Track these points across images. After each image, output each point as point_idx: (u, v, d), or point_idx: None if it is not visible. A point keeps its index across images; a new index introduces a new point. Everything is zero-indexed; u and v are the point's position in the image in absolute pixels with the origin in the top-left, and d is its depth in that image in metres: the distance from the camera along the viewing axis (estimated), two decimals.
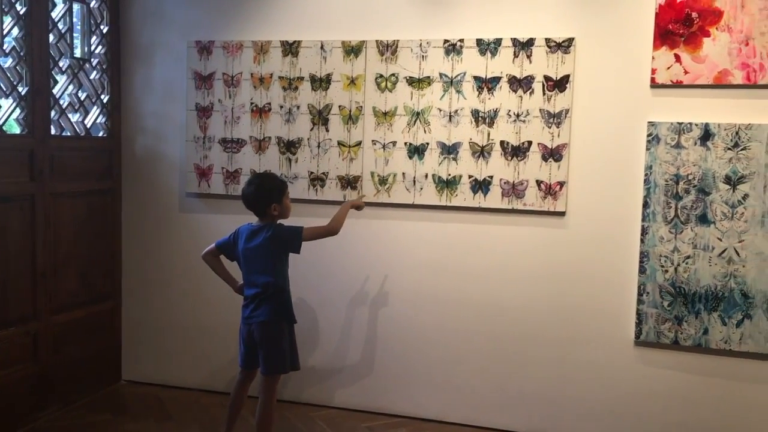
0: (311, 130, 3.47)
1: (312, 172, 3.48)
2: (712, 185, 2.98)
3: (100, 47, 3.66)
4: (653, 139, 3.04)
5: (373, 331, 3.48)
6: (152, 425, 3.31)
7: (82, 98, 3.57)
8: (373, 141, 3.40)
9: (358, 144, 3.42)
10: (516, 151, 3.22)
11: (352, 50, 3.39)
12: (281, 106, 3.50)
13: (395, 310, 3.43)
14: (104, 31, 3.67)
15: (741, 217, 2.95)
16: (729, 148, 2.95)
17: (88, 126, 3.62)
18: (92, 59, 3.62)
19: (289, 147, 3.51)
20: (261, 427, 2.86)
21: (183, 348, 3.75)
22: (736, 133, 2.94)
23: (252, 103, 3.54)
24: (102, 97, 3.68)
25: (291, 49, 3.47)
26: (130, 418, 3.39)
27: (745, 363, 3.00)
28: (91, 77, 3.62)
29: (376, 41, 3.36)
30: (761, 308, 2.95)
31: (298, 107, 3.48)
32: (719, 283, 2.99)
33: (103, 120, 3.70)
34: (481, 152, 3.26)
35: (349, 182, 3.43)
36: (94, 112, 3.65)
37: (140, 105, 3.73)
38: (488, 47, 3.23)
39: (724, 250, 2.98)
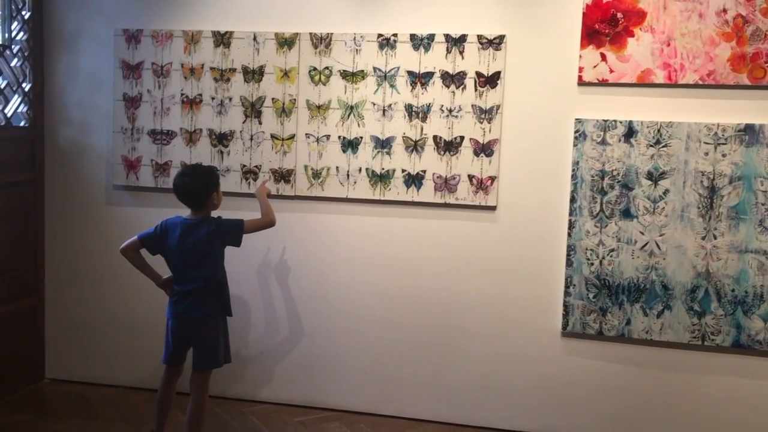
0: (244, 122, 3.42)
1: (245, 165, 3.43)
2: (635, 181, 3.08)
3: (21, 33, 3.52)
4: (580, 136, 3.11)
5: (305, 325, 3.46)
6: (77, 424, 3.21)
7: (2, 86, 3.42)
8: (306, 134, 3.37)
9: (292, 137, 3.39)
10: (448, 146, 3.25)
11: (286, 42, 3.36)
12: (213, 98, 3.44)
13: (328, 304, 3.43)
14: (26, 17, 3.52)
15: (662, 211, 3.06)
16: (651, 145, 3.05)
17: (9, 115, 3.47)
18: (13, 46, 3.47)
19: (221, 139, 3.45)
20: (194, 423, 2.81)
21: (110, 345, 3.65)
22: (658, 130, 3.04)
23: (182, 94, 3.47)
24: (24, 85, 3.53)
25: (223, 39, 3.41)
26: (54, 418, 3.28)
27: (666, 352, 3.12)
28: (12, 65, 3.47)
29: (310, 34, 3.33)
30: (680, 299, 3.06)
31: (231, 99, 3.42)
32: (641, 276, 3.10)
33: (25, 109, 3.55)
34: (415, 147, 3.28)
35: (283, 176, 3.39)
36: (15, 101, 3.50)
37: (64, 94, 3.60)
38: (421, 42, 3.24)
39: (646, 244, 3.08)
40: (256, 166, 3.42)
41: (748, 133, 2.96)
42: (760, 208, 2.96)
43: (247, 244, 3.14)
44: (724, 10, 2.96)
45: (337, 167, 3.35)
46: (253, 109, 3.41)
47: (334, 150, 3.35)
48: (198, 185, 2.77)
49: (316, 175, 3.37)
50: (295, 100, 3.37)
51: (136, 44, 3.49)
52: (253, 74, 3.39)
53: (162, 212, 3.35)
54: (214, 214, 2.89)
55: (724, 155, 2.99)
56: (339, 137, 3.34)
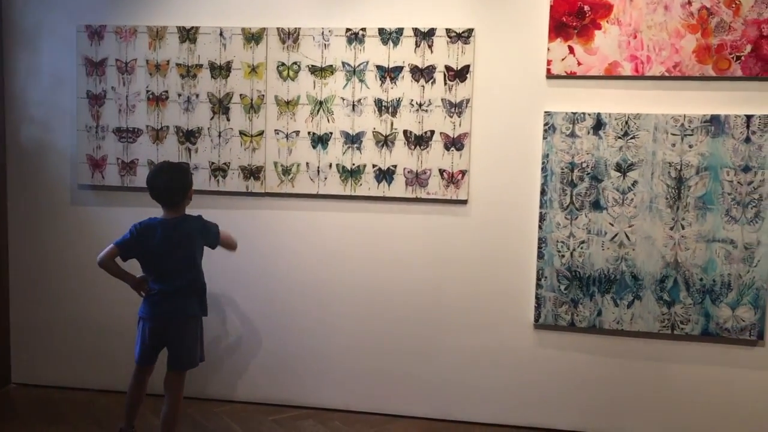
0: (211, 119, 3.37)
1: (213, 163, 3.38)
2: (604, 173, 3.10)
3: None
4: (549, 129, 3.12)
5: (277, 323, 3.43)
6: (45, 429, 3.14)
7: None
8: (275, 130, 3.33)
9: (261, 133, 3.35)
10: (419, 141, 3.24)
11: (253, 38, 3.31)
12: (179, 95, 3.38)
13: (300, 301, 3.40)
14: None
15: (631, 203, 3.08)
16: (619, 137, 3.07)
17: None
18: None
19: (189, 137, 3.39)
20: (170, 424, 2.76)
21: (77, 347, 3.58)
22: (626, 122, 3.06)
23: (148, 91, 3.40)
24: None
25: (189, 35, 3.36)
26: (20, 423, 3.20)
27: (636, 342, 3.15)
28: None
29: (278, 29, 3.29)
30: (650, 289, 3.09)
31: (198, 95, 3.37)
32: (611, 267, 3.12)
33: None
34: (385, 141, 3.26)
35: (252, 172, 3.35)
36: None
37: (25, 93, 3.51)
38: (390, 36, 3.22)
39: (616, 235, 3.10)
40: (225, 163, 3.37)
41: (714, 123, 2.99)
42: (726, 197, 3.00)
43: None
44: (689, 2, 2.99)
45: (307, 163, 3.32)
46: (221, 106, 3.36)
47: (304, 146, 3.32)
48: (176, 183, 2.74)
49: (286, 171, 3.34)
50: (263, 96, 3.33)
51: (99, 40, 3.42)
52: (220, 70, 3.35)
53: (128, 211, 3.30)
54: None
55: (690, 146, 3.02)
56: (309, 133, 3.31)
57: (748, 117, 2.95)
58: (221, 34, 3.33)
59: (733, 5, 2.95)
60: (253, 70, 3.33)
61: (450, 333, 3.30)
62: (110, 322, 3.51)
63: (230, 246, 2.95)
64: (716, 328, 3.05)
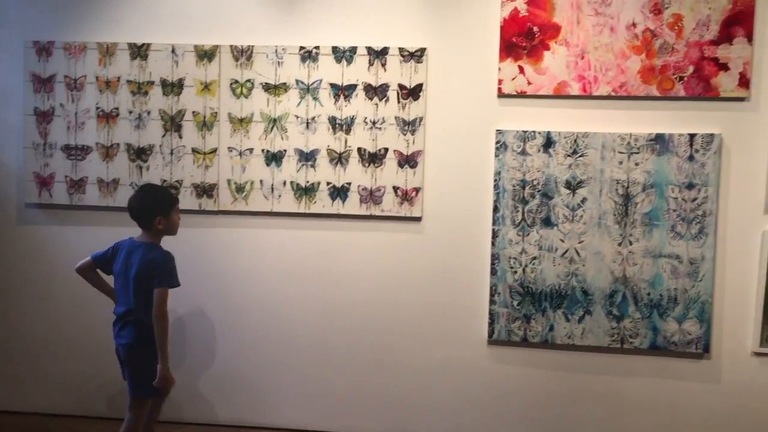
0: (163, 136, 3.33)
1: (165, 180, 3.34)
2: (554, 190, 3.15)
3: None
4: (501, 147, 3.17)
5: (231, 342, 3.39)
6: None
7: None
8: (229, 148, 3.31)
9: (214, 151, 3.32)
10: (373, 158, 3.25)
11: (206, 55, 3.29)
12: (130, 111, 3.34)
13: (253, 319, 3.37)
14: None
15: (580, 219, 3.14)
16: (569, 155, 3.13)
17: None
18: None
19: (140, 154, 3.35)
20: None
21: (29, 370, 3.48)
22: (575, 140, 3.12)
23: (98, 108, 3.35)
24: None
25: (140, 51, 3.32)
26: None
27: (587, 356, 3.19)
28: None
29: (231, 46, 3.28)
30: (599, 304, 3.15)
31: (149, 113, 3.33)
32: (562, 282, 3.17)
33: None
34: (339, 159, 3.27)
35: (205, 190, 3.32)
36: None
37: None
38: (344, 55, 3.24)
39: (566, 251, 3.16)
40: (177, 181, 3.34)
41: (659, 142, 3.07)
42: (671, 214, 3.07)
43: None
44: (634, 24, 3.07)
45: (261, 181, 3.31)
46: (173, 123, 3.33)
47: (258, 163, 3.30)
48: (141, 204, 2.74)
49: (240, 189, 3.31)
50: (216, 113, 3.31)
51: (47, 57, 3.36)
52: (173, 87, 3.31)
53: (78, 230, 3.24)
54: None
55: (637, 164, 3.09)
56: (262, 150, 3.30)
57: (691, 136, 3.04)
58: (173, 51, 3.30)
59: (676, 28, 3.04)
60: (206, 87, 3.30)
61: (405, 350, 3.31)
62: (62, 345, 3.43)
63: (159, 310, 2.70)
64: (664, 341, 3.11)
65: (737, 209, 3.04)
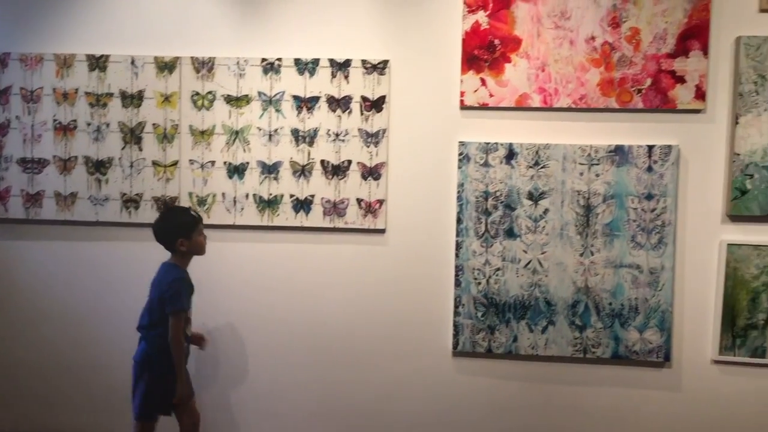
0: (123, 149, 3.28)
1: (125, 194, 3.29)
2: (517, 201, 3.16)
3: None
4: (464, 158, 3.18)
5: (193, 357, 3.34)
6: None
7: None
8: (190, 160, 3.27)
9: (175, 164, 3.28)
10: (336, 170, 3.24)
11: (166, 66, 3.26)
12: (89, 124, 3.28)
13: (216, 334, 3.32)
14: None
15: (543, 230, 3.16)
16: (531, 167, 3.15)
17: None
18: None
19: (99, 167, 3.29)
20: None
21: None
22: (536, 152, 3.15)
23: (55, 120, 3.29)
24: None
25: (98, 63, 3.27)
26: None
27: (551, 366, 3.21)
28: None
29: (192, 58, 3.25)
30: (562, 314, 3.16)
31: (108, 125, 3.28)
32: (526, 293, 3.18)
33: None
34: (302, 171, 3.25)
35: (166, 203, 3.27)
36: None
37: None
38: (306, 67, 3.23)
39: (529, 262, 3.17)
40: (137, 194, 3.29)
41: (619, 153, 3.11)
42: (631, 224, 3.11)
43: (127, 273, 3.05)
44: (593, 38, 3.11)
45: (223, 193, 3.27)
46: (133, 135, 3.28)
47: (220, 176, 3.27)
48: (162, 228, 2.80)
49: (202, 202, 3.28)
50: (177, 125, 3.27)
51: (2, 68, 3.29)
52: (132, 99, 3.27)
53: (35, 246, 3.17)
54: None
55: (597, 175, 3.12)
56: (224, 163, 3.27)
57: (650, 147, 3.08)
58: (133, 62, 3.26)
59: (634, 41, 3.08)
60: (167, 99, 3.27)
61: (369, 362, 3.29)
62: (21, 366, 3.34)
63: (173, 340, 2.79)
64: (626, 351, 3.14)
65: (695, 219, 3.09)
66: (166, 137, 3.28)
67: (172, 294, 2.75)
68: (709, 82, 3.06)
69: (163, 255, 3.20)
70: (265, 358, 3.33)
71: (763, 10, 3.04)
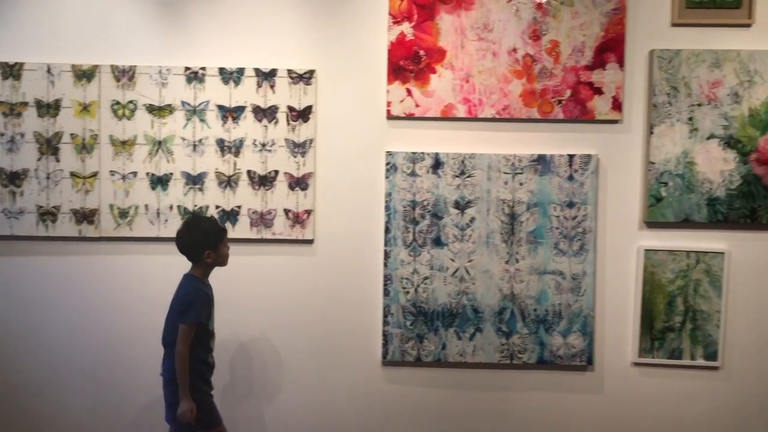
0: (39, 160, 3.17)
1: (41, 207, 3.17)
2: (444, 210, 3.20)
3: None
4: (391, 168, 3.19)
5: (117, 377, 3.24)
6: None
7: None
8: (111, 171, 3.18)
9: (95, 175, 3.18)
10: (263, 181, 3.21)
11: (85, 75, 3.16)
12: (2, 134, 3.16)
13: (141, 350, 3.23)
14: None
15: (469, 238, 3.20)
16: (457, 176, 3.19)
17: None
18: None
19: (13, 179, 3.16)
20: None
21: None
22: (462, 161, 3.19)
23: None
24: None
25: (12, 71, 3.15)
26: None
27: (479, 373, 3.25)
28: None
29: (111, 66, 3.16)
30: (489, 321, 3.21)
31: (23, 135, 3.16)
32: (454, 301, 3.21)
33: None
34: (228, 182, 3.20)
35: (85, 216, 3.17)
36: None
37: None
38: (231, 76, 3.18)
39: (457, 270, 3.21)
40: (54, 207, 3.17)
41: (541, 162, 3.18)
42: (554, 232, 3.18)
43: (43, 289, 2.93)
44: (515, 50, 3.17)
45: (146, 205, 3.19)
46: (49, 146, 3.17)
47: (142, 187, 3.19)
48: (188, 240, 2.73)
49: (123, 214, 3.19)
50: (96, 135, 3.17)
51: None
52: (48, 108, 3.16)
53: None
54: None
55: (521, 184, 3.19)
56: (147, 174, 3.19)
57: (570, 156, 3.17)
58: (49, 70, 3.15)
59: (554, 53, 3.16)
60: (85, 108, 3.17)
61: (299, 373, 3.26)
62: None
63: (179, 353, 2.70)
64: (550, 355, 3.21)
65: (614, 226, 3.19)
66: (85, 148, 3.18)
67: (185, 307, 2.68)
68: (625, 94, 3.17)
69: (85, 271, 3.11)
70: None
71: (675, 25, 3.16)
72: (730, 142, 3.12)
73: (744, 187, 3.13)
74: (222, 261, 2.82)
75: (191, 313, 2.70)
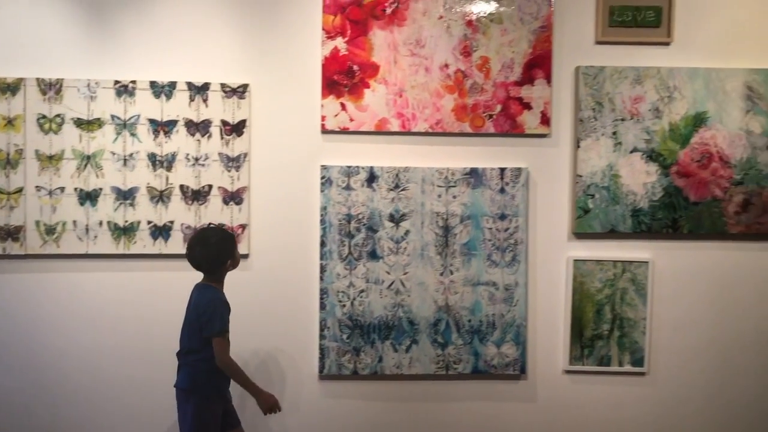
0: None
1: None
2: (379, 223, 3.22)
3: None
4: (326, 182, 3.20)
5: (44, 398, 3.14)
6: None
7: None
8: (37, 187, 3.10)
9: (20, 191, 3.10)
10: (197, 195, 3.17)
11: (9, 88, 3.08)
12: None
13: (70, 371, 3.16)
14: None
15: (404, 251, 3.23)
16: (391, 189, 3.23)
17: None
18: None
19: None
20: None
21: None
22: (396, 175, 3.22)
23: None
24: None
25: None
26: None
27: (415, 384, 3.28)
28: None
29: (37, 79, 3.09)
30: (425, 333, 3.24)
31: None
32: (389, 314, 3.24)
33: None
34: (160, 197, 3.16)
35: (10, 233, 3.08)
36: None
37: None
38: (163, 90, 3.15)
39: (392, 283, 3.23)
40: None
41: (473, 176, 3.24)
42: (487, 243, 3.24)
43: None
44: (446, 65, 3.23)
45: (74, 221, 3.12)
46: None
47: (70, 203, 3.11)
48: (207, 255, 2.70)
49: (50, 231, 3.10)
50: (21, 150, 3.09)
51: None
52: None
53: None
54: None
55: (454, 197, 3.24)
56: (75, 189, 3.12)
57: (502, 170, 3.24)
58: None
59: (484, 69, 3.24)
60: (10, 122, 3.09)
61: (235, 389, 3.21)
62: None
63: (221, 360, 2.69)
64: (485, 365, 3.26)
65: (545, 237, 3.27)
66: (9, 163, 3.09)
67: (209, 317, 2.64)
68: (552, 109, 3.27)
69: (10, 290, 3.01)
70: (124, 393, 3.18)
71: (599, 42, 3.28)
72: (652, 156, 3.25)
73: (666, 198, 3.25)
74: (236, 265, 2.82)
75: (216, 322, 2.67)
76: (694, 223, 3.26)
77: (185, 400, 2.74)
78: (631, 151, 3.25)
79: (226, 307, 2.74)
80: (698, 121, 3.25)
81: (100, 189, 3.14)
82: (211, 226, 2.91)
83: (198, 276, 3.12)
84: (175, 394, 2.78)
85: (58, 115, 3.11)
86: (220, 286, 2.79)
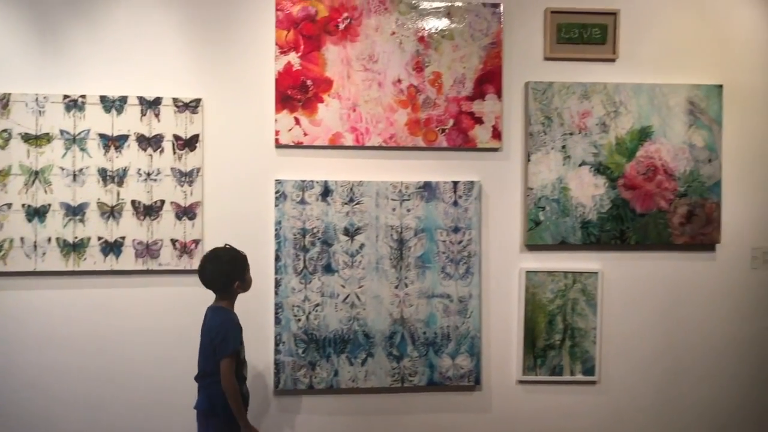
0: None
1: None
2: (333, 237, 3.23)
3: None
4: (281, 196, 3.20)
5: None
6: None
7: None
8: None
9: None
10: (149, 210, 3.14)
11: None
12: None
13: (18, 393, 3.08)
14: None
15: (359, 265, 3.25)
16: (346, 203, 3.24)
17: None
18: None
19: None
20: None
21: None
22: (351, 189, 3.24)
23: None
24: None
25: None
26: None
27: (371, 398, 3.28)
28: None
29: None
30: (381, 346, 3.26)
31: None
32: (345, 327, 3.24)
33: None
34: (111, 212, 3.12)
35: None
36: None
37: None
38: (113, 104, 3.12)
39: (348, 296, 3.24)
40: None
41: (427, 189, 3.28)
42: (441, 256, 3.28)
43: None
44: (399, 81, 3.28)
45: (21, 238, 3.06)
46: None
47: (18, 219, 3.06)
48: (217, 275, 2.70)
49: None
50: None
51: None
52: None
53: None
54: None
55: (408, 210, 3.27)
56: (23, 205, 3.06)
57: (455, 183, 3.28)
58: None
59: (436, 84, 3.29)
60: None
61: (187, 408, 3.17)
62: None
63: (226, 385, 2.65)
64: (440, 377, 3.29)
65: (497, 249, 3.32)
66: None
67: (221, 339, 2.63)
68: (503, 123, 3.33)
69: None
70: (75, 414, 3.12)
71: (547, 59, 3.36)
72: (599, 169, 3.33)
73: (613, 210, 3.34)
74: (248, 287, 2.81)
75: (229, 344, 2.66)
76: (640, 234, 3.35)
77: (205, 422, 2.72)
78: (580, 165, 3.33)
79: (237, 328, 2.74)
80: (643, 135, 3.35)
81: (49, 205, 3.09)
82: (226, 246, 2.88)
83: (150, 298, 3.09)
84: (196, 416, 2.75)
85: (4, 130, 3.06)
86: (231, 306, 2.79)
